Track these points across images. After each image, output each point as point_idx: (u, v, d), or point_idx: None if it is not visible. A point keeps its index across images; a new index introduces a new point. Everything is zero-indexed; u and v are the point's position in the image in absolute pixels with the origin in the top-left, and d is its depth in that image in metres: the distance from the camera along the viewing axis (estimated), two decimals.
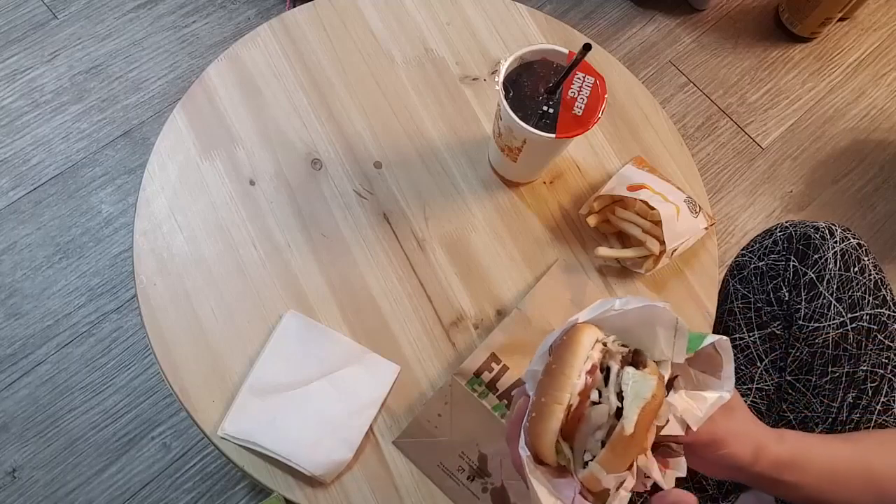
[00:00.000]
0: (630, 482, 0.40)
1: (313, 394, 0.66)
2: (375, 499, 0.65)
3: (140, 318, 0.71)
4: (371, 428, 0.66)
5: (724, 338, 0.45)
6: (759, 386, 0.75)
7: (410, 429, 0.67)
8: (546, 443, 0.41)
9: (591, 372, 0.42)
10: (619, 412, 0.40)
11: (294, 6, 1.04)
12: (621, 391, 0.41)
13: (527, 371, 0.46)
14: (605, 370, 0.42)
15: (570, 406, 0.41)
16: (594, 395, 0.41)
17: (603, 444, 0.40)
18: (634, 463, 0.41)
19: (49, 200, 1.30)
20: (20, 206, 1.29)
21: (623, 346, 0.44)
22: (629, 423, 0.39)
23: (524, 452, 0.42)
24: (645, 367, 0.42)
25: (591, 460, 0.40)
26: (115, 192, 1.32)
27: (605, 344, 0.43)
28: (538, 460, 0.42)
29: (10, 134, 1.34)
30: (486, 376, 0.68)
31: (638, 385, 0.40)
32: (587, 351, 0.42)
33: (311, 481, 0.64)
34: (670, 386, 0.45)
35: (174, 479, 1.13)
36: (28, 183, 1.31)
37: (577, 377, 0.41)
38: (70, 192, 1.31)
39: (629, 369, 0.41)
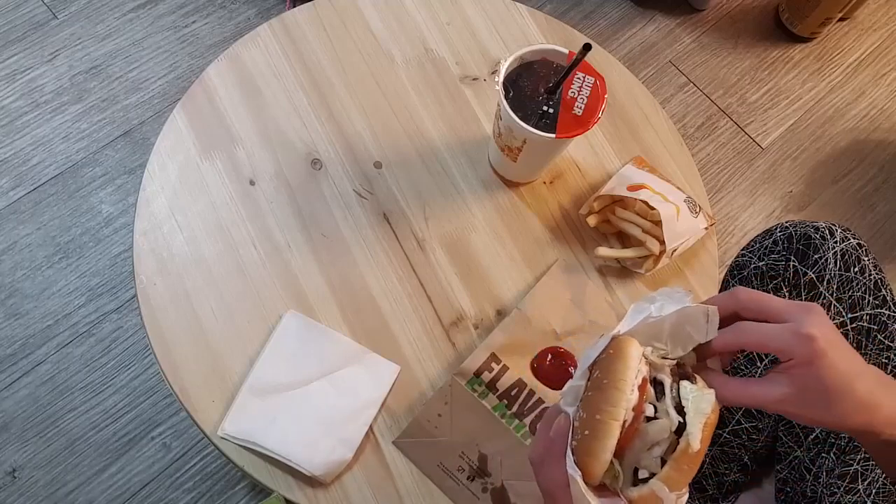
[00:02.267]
0: (685, 498, 0.39)
1: (313, 394, 0.66)
2: (375, 499, 0.65)
3: (140, 318, 0.71)
4: (371, 428, 0.66)
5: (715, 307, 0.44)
6: None
7: (410, 429, 0.67)
8: (602, 461, 0.39)
9: (642, 386, 0.40)
10: (679, 428, 0.39)
11: (294, 6, 1.04)
12: (679, 405, 0.40)
13: (567, 387, 0.44)
14: (655, 383, 0.41)
15: (624, 422, 0.39)
16: (649, 410, 0.40)
17: (663, 460, 0.39)
18: None
19: (49, 200, 1.30)
20: (20, 206, 1.29)
21: (663, 357, 0.43)
22: (695, 438, 0.38)
23: (576, 472, 0.39)
24: (695, 380, 0.41)
25: (649, 478, 0.39)
26: (115, 192, 1.32)
27: (646, 356, 0.42)
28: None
29: (10, 134, 1.34)
30: (486, 376, 0.68)
31: (698, 400, 0.39)
32: (637, 364, 0.41)
33: (311, 481, 0.64)
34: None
35: (174, 479, 1.13)
36: (28, 183, 1.31)
37: (630, 392, 0.40)
38: (70, 192, 1.31)
39: (686, 384, 0.41)
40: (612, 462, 0.39)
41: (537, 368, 0.69)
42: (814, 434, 0.70)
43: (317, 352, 0.68)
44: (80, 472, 1.13)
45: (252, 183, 0.75)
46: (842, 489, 0.66)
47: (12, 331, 1.20)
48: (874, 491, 0.65)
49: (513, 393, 0.68)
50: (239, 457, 0.64)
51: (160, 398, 1.17)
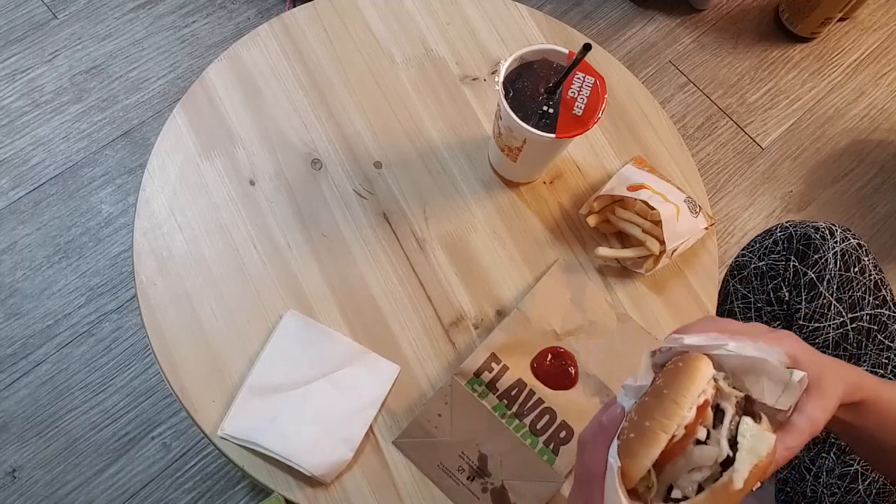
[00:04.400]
0: None
1: (313, 394, 0.66)
2: (375, 499, 0.65)
3: (140, 318, 0.71)
4: (371, 428, 0.66)
5: (804, 373, 0.43)
6: None
7: (410, 429, 0.67)
8: (640, 467, 0.38)
9: (702, 407, 0.39)
10: (727, 460, 0.38)
11: (294, 6, 1.04)
12: (733, 439, 0.39)
13: (627, 385, 0.44)
14: (716, 410, 0.40)
15: (673, 436, 0.38)
16: (701, 434, 0.39)
17: (700, 487, 0.38)
18: None
19: (49, 200, 1.30)
20: (20, 206, 1.29)
21: (734, 387, 0.41)
22: (740, 477, 0.37)
23: (615, 462, 0.39)
24: (759, 419, 0.40)
25: (681, 500, 0.38)
26: (115, 192, 1.32)
27: (715, 380, 0.41)
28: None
29: (10, 134, 1.34)
30: (486, 376, 0.68)
31: (756, 440, 0.38)
32: (703, 384, 0.40)
33: (311, 481, 0.64)
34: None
35: (174, 479, 1.13)
36: (28, 183, 1.31)
37: (688, 409, 0.39)
38: (70, 192, 1.31)
39: (748, 420, 0.39)
40: (650, 471, 0.39)
41: (537, 368, 0.69)
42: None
43: (317, 352, 0.68)
44: (80, 472, 1.13)
45: (252, 183, 0.75)
46: (842, 489, 0.66)
47: (12, 331, 1.20)
48: (874, 491, 0.65)
49: (513, 393, 0.68)
50: (239, 457, 0.64)
51: (160, 398, 1.17)
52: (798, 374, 0.42)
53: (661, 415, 0.39)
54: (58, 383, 1.17)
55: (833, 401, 0.43)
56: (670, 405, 0.39)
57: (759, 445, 0.38)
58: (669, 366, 0.42)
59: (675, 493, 0.39)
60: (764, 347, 0.42)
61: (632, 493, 0.39)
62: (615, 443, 0.41)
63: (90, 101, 1.38)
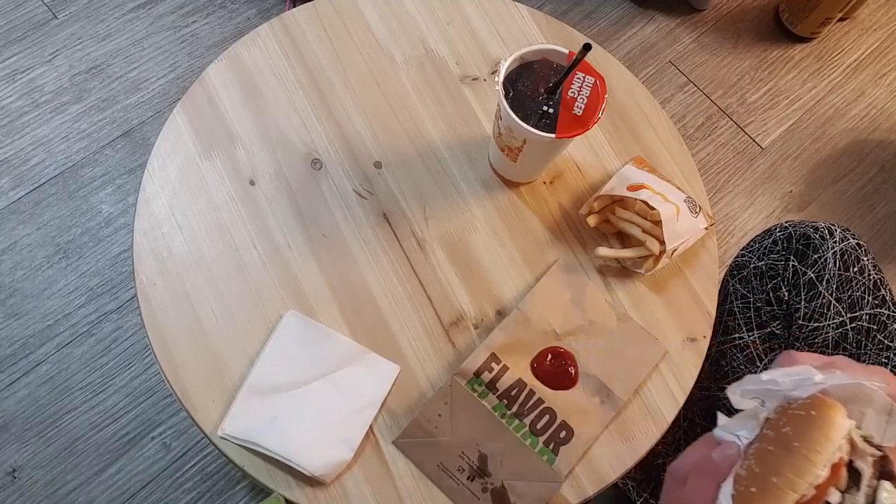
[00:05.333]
0: None
1: (313, 394, 0.66)
2: (375, 499, 0.65)
3: (140, 318, 0.71)
4: (371, 428, 0.66)
5: None
6: None
7: (410, 429, 0.67)
8: None
9: (836, 465, 0.36)
10: None
11: (294, 6, 1.04)
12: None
13: (740, 416, 0.40)
14: (851, 469, 0.36)
15: (802, 496, 0.35)
16: (833, 497, 0.36)
17: None
18: None
19: (49, 200, 1.30)
20: (20, 206, 1.29)
21: (870, 442, 0.37)
22: None
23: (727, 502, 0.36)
24: None
25: None
26: (115, 192, 1.32)
27: (851, 434, 0.37)
28: None
29: (10, 134, 1.34)
30: (486, 376, 0.68)
31: None
32: (840, 440, 0.36)
33: (311, 481, 0.64)
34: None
35: (174, 479, 1.13)
36: (28, 183, 1.31)
37: (822, 468, 0.35)
38: (70, 192, 1.31)
39: (887, 485, 0.36)
40: None
41: (537, 368, 0.69)
42: None
43: (317, 352, 0.68)
44: (80, 472, 1.13)
45: (252, 183, 0.75)
46: None
47: (12, 331, 1.20)
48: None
49: (513, 393, 0.68)
50: (239, 457, 0.64)
51: (160, 398, 1.17)
52: None
53: (791, 472, 0.35)
54: (58, 383, 1.17)
55: None
56: (803, 462, 0.35)
57: None
58: (798, 411, 0.37)
59: None
60: (858, 374, 0.38)
61: None
62: (729, 487, 0.37)
63: (90, 101, 1.38)
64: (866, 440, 0.37)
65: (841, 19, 1.63)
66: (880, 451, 0.37)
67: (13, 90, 1.38)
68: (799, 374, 0.38)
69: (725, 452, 0.39)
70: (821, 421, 0.36)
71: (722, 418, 0.41)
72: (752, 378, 0.40)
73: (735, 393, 0.41)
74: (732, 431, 0.40)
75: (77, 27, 1.44)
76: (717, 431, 0.41)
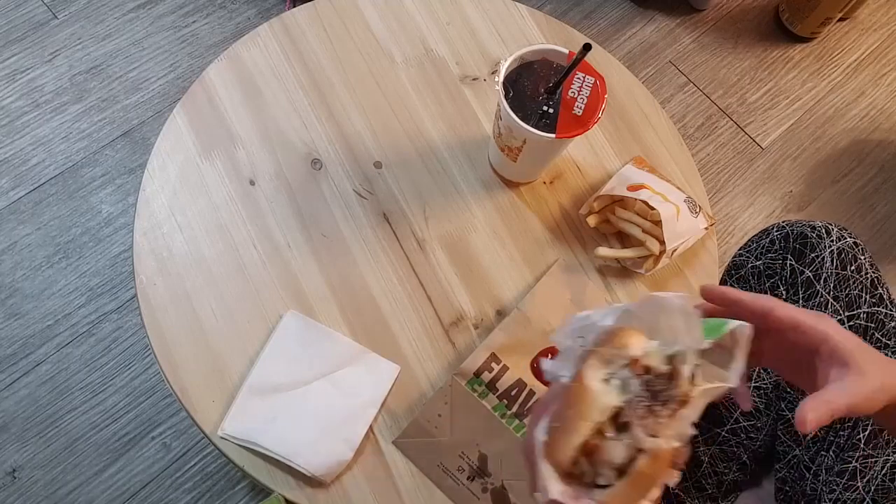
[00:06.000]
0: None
1: (313, 394, 0.66)
2: (375, 499, 0.65)
3: (140, 318, 0.71)
4: (371, 428, 0.66)
5: (745, 324, 0.43)
6: (757, 384, 0.76)
7: (410, 429, 0.67)
8: (564, 453, 0.39)
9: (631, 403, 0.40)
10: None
11: (294, 6, 1.04)
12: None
13: (563, 355, 0.44)
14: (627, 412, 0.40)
15: (596, 423, 0.39)
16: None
17: (622, 472, 0.39)
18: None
19: (49, 200, 1.30)
20: (20, 206, 1.29)
21: (668, 361, 0.41)
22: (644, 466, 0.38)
23: (540, 436, 0.40)
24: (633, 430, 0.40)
25: (607, 486, 0.39)
26: (115, 192, 1.32)
27: (642, 359, 0.41)
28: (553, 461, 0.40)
29: (10, 134, 1.34)
30: (486, 376, 0.68)
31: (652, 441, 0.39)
32: (621, 363, 0.41)
33: (311, 481, 0.64)
34: (692, 379, 0.42)
35: (174, 479, 1.13)
36: (28, 183, 1.31)
37: (606, 395, 0.39)
38: (70, 192, 1.31)
39: (640, 436, 0.39)
40: (580, 457, 0.39)
41: (537, 368, 0.69)
42: (813, 433, 0.70)
43: (317, 352, 0.68)
44: (80, 472, 1.13)
45: (252, 183, 0.75)
46: (841, 486, 0.66)
47: (12, 331, 1.20)
48: (873, 488, 0.65)
49: (513, 393, 0.68)
50: (239, 457, 0.64)
51: (160, 398, 1.17)
52: (734, 324, 0.42)
53: (579, 402, 0.39)
54: (58, 383, 1.17)
55: (873, 384, 0.41)
56: (587, 392, 0.39)
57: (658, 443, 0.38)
58: (598, 338, 0.42)
59: (602, 480, 0.39)
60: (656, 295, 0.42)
61: (569, 476, 0.40)
62: (545, 422, 0.41)
63: (90, 101, 1.38)
64: (671, 358, 0.41)
65: (841, 19, 1.63)
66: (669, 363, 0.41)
67: (13, 90, 1.38)
68: (611, 305, 0.44)
69: (552, 391, 0.43)
70: (603, 348, 0.41)
71: (546, 363, 0.45)
72: (572, 318, 0.44)
73: (559, 336, 0.45)
74: (557, 372, 0.44)
75: (77, 27, 1.44)
76: (546, 374, 0.45)
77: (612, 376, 0.40)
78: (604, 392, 0.40)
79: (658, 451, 0.38)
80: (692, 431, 0.40)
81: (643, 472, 0.38)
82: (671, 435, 0.39)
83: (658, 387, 0.40)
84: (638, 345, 0.41)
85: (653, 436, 0.39)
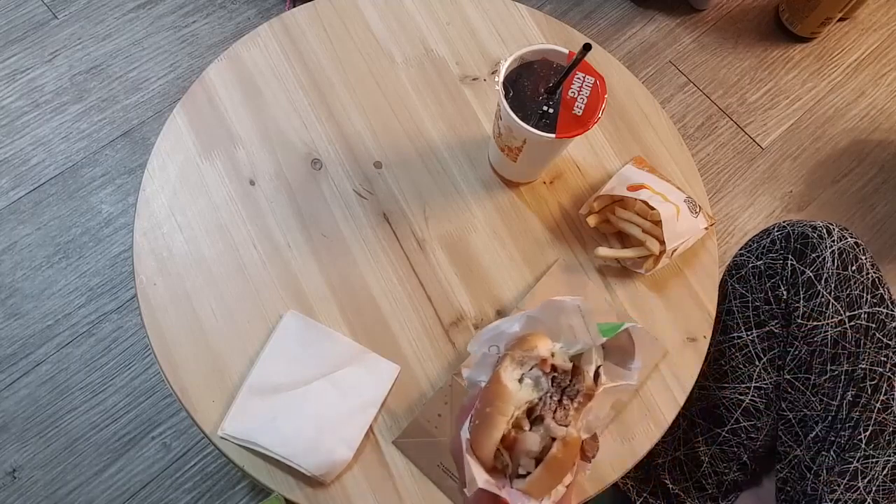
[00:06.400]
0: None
1: (313, 394, 0.66)
2: (375, 499, 0.65)
3: (140, 318, 0.71)
4: (371, 428, 0.66)
5: (636, 325, 0.48)
6: (757, 385, 0.76)
7: (410, 429, 0.67)
8: (487, 449, 0.43)
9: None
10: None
11: (294, 6, 1.04)
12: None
13: (480, 361, 0.49)
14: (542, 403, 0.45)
15: (511, 416, 0.43)
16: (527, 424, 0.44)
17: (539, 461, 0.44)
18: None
19: (49, 200, 1.30)
20: (20, 206, 1.29)
21: (572, 359, 0.46)
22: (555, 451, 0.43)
23: (465, 435, 0.45)
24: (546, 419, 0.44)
25: (526, 475, 0.44)
26: (115, 192, 1.32)
27: (550, 358, 0.45)
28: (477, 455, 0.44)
29: (10, 134, 1.34)
30: None
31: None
32: (532, 363, 0.45)
33: (311, 481, 0.64)
34: (596, 377, 0.47)
35: (174, 479, 1.13)
36: (28, 183, 1.31)
37: (520, 392, 0.44)
38: (70, 192, 1.31)
39: (549, 423, 0.44)
40: (500, 451, 0.43)
41: None
42: (813, 433, 0.70)
43: (317, 352, 0.68)
44: (80, 472, 1.13)
45: (252, 183, 0.75)
46: (842, 487, 0.66)
47: (12, 331, 1.20)
48: (874, 488, 0.65)
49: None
50: (239, 457, 0.64)
51: (160, 398, 1.17)
52: (629, 324, 0.47)
53: (497, 399, 0.44)
54: (58, 383, 1.17)
55: None
56: (502, 389, 0.44)
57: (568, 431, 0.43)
58: (509, 343, 0.47)
59: (521, 470, 0.44)
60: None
61: (493, 470, 0.44)
62: (468, 423, 0.46)
63: (90, 101, 1.38)
64: (574, 357, 0.46)
65: (841, 19, 1.63)
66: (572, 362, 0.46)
67: (13, 90, 1.38)
68: (517, 314, 0.48)
69: (471, 394, 0.48)
70: (515, 351, 0.46)
71: (466, 370, 0.51)
72: (485, 329, 0.49)
73: (473, 346, 0.49)
74: (475, 378, 0.49)
75: (77, 27, 1.44)
76: (466, 381, 0.50)
77: (525, 375, 0.45)
78: (518, 389, 0.45)
79: (568, 439, 0.43)
80: (602, 427, 0.44)
81: (556, 457, 0.42)
82: (580, 426, 0.44)
83: (564, 383, 0.45)
84: (544, 346, 0.46)
85: (563, 426, 0.44)
